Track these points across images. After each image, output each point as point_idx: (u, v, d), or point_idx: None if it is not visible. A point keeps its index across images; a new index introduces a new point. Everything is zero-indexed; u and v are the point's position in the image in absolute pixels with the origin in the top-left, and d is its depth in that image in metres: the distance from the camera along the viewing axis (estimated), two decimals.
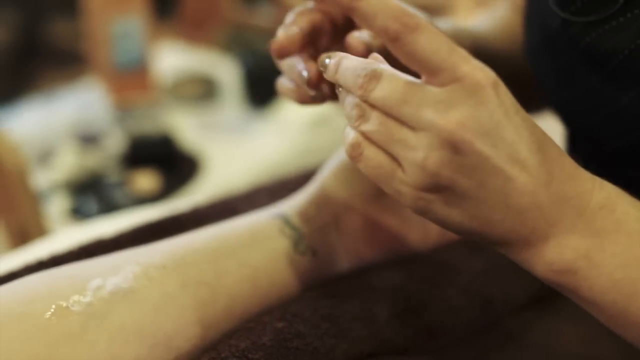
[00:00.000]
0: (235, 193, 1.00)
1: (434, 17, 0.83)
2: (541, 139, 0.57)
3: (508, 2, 0.98)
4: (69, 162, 1.83)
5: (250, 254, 0.74)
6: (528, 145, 0.56)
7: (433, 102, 0.55)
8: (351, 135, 0.60)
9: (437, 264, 0.82)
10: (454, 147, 0.55)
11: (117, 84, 2.07)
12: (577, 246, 0.57)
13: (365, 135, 0.59)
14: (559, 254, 0.58)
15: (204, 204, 0.96)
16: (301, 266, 0.75)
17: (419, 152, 0.56)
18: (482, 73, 0.55)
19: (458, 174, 0.55)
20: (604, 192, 0.59)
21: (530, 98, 0.94)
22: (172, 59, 2.37)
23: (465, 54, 0.56)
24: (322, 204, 0.80)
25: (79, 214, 1.73)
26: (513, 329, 0.81)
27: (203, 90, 2.17)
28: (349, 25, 0.75)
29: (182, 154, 1.93)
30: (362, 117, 0.59)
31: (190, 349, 0.68)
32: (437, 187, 0.56)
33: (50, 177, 1.82)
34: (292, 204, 0.80)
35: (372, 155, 0.59)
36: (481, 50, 0.84)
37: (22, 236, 1.47)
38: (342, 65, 0.61)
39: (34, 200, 1.50)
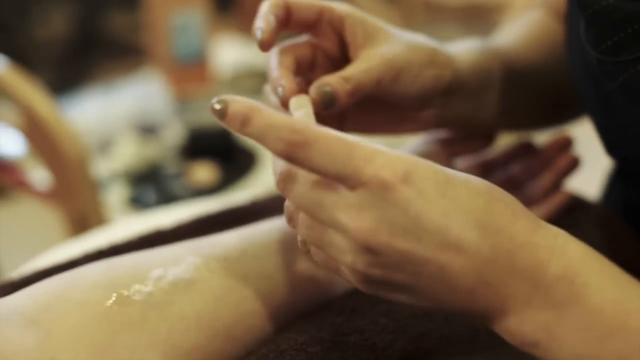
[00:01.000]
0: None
1: (471, 32, 0.81)
2: (481, 214, 0.55)
3: (545, 5, 0.95)
4: (128, 152, 1.85)
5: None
6: (462, 225, 0.54)
7: (344, 206, 0.54)
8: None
9: None
10: (372, 250, 0.54)
11: (177, 76, 2.09)
12: (535, 320, 0.55)
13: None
14: (518, 328, 0.55)
15: (262, 197, 0.96)
16: None
17: (348, 256, 0.55)
18: (388, 171, 0.53)
19: (389, 270, 0.55)
20: (563, 260, 0.55)
21: (570, 107, 0.93)
22: (231, 52, 2.38)
23: (367, 153, 0.53)
24: None
25: (137, 203, 1.75)
26: None
27: (261, 84, 2.17)
28: (346, 56, 0.74)
29: (240, 146, 1.94)
30: (292, 220, 0.60)
31: (249, 340, 0.69)
32: (375, 282, 0.56)
33: (109, 167, 1.84)
34: None
35: (316, 252, 0.60)
36: (512, 69, 0.83)
37: (82, 224, 1.49)
38: (254, 125, 0.55)
39: (94, 188, 1.52)
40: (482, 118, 0.82)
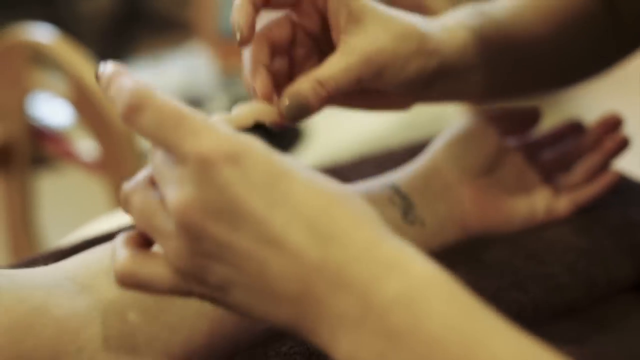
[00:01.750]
0: (341, 163, 1.00)
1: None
2: (315, 215, 0.49)
3: None
4: None
5: None
6: (287, 221, 0.49)
7: (169, 179, 0.51)
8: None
9: (543, 241, 0.81)
10: (189, 231, 0.50)
11: (223, 50, 2.09)
12: (369, 346, 0.47)
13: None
14: (351, 354, 0.48)
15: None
16: (409, 235, 0.75)
17: (170, 241, 0.51)
18: (210, 147, 0.49)
19: (208, 260, 0.50)
20: (402, 279, 0.47)
21: (570, 78, 0.90)
22: None
23: (196, 126, 0.50)
24: (433, 175, 0.80)
25: None
26: (614, 312, 0.80)
27: None
28: (326, 35, 0.72)
29: None
30: (125, 204, 0.55)
31: None
32: (199, 277, 0.52)
33: None
34: (402, 174, 0.81)
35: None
36: (507, 38, 0.80)
37: None
38: (112, 88, 0.53)
39: (140, 159, 1.53)
40: (467, 94, 0.80)
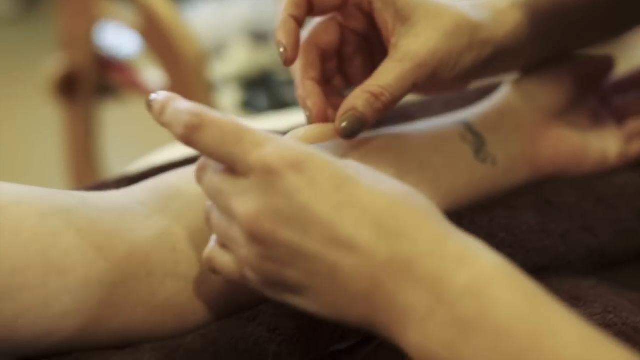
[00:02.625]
0: (410, 100, 0.99)
1: None
2: (381, 214, 0.51)
3: None
4: (241, 58, 1.85)
5: (432, 157, 0.72)
6: (355, 222, 0.51)
7: (236, 192, 0.53)
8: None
9: (613, 186, 0.80)
10: (260, 240, 0.52)
11: None
12: (439, 337, 0.48)
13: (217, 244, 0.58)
14: (420, 344, 0.49)
15: None
16: (480, 173, 0.74)
17: (243, 249, 0.54)
18: (274, 156, 0.51)
19: (280, 265, 0.53)
20: (470, 270, 0.49)
21: (628, 26, 0.87)
22: None
23: (258, 139, 0.53)
24: (506, 114, 0.79)
25: (249, 107, 1.76)
26: None
27: None
28: (374, 32, 0.71)
29: None
30: (208, 219, 0.58)
31: None
32: (272, 281, 0.54)
33: (222, 71, 1.85)
34: (474, 112, 0.80)
35: (221, 257, 0.58)
36: (555, 2, 0.78)
37: None
38: (166, 113, 0.56)
39: (208, 90, 1.53)
40: (522, 65, 0.81)
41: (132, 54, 1.94)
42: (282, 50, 0.67)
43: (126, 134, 2.73)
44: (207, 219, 0.58)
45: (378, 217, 0.51)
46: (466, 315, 0.48)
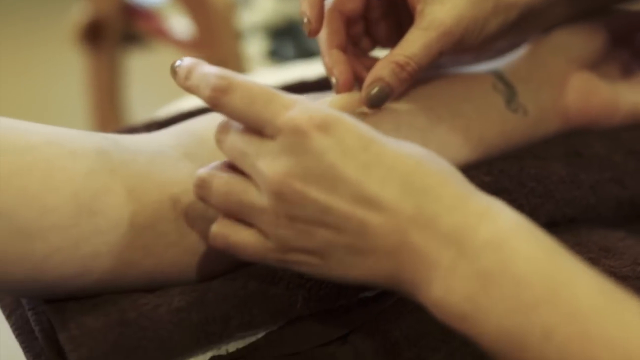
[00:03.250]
0: None
1: None
2: (407, 172, 0.53)
3: None
4: (268, 6, 1.84)
5: (463, 105, 0.73)
6: (381, 180, 0.52)
7: (264, 153, 0.54)
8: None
9: None
10: (289, 200, 0.53)
11: None
12: (461, 289, 0.50)
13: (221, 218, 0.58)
14: (443, 298, 0.51)
15: None
16: (512, 123, 0.74)
17: (264, 215, 0.55)
18: (303, 118, 0.53)
19: (310, 225, 0.54)
20: (492, 225, 0.51)
21: None
22: None
23: (287, 101, 0.54)
24: (538, 64, 0.78)
25: (276, 56, 1.75)
26: None
27: None
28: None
29: None
30: (202, 188, 0.58)
31: None
32: (297, 247, 0.55)
33: (249, 19, 1.85)
34: (506, 62, 0.79)
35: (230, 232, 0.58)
36: None
37: None
38: (193, 77, 0.58)
39: (235, 39, 1.53)
40: (550, 25, 0.80)
41: (159, 2, 1.93)
42: (306, 21, 0.68)
43: (152, 83, 2.73)
44: (201, 195, 0.59)
45: (404, 175, 0.53)
46: (487, 268, 0.50)
